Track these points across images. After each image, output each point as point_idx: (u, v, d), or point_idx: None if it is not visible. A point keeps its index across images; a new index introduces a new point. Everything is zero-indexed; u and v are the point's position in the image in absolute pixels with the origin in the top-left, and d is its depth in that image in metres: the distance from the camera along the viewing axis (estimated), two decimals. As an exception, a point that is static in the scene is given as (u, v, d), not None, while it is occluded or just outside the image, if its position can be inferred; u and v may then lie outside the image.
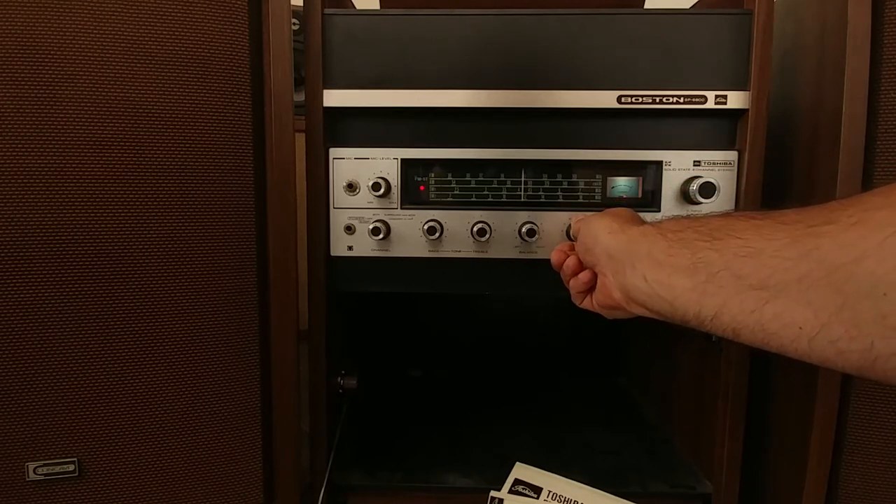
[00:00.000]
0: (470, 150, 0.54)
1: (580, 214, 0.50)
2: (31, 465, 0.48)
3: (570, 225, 0.53)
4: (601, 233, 0.41)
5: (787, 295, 0.27)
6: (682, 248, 0.34)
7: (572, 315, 0.96)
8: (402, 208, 0.55)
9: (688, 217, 0.36)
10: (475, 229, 0.54)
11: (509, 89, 0.53)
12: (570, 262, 0.47)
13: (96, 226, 0.46)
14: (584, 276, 0.45)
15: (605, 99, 0.53)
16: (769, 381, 0.60)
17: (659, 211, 0.54)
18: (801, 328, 0.27)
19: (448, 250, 0.55)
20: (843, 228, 0.25)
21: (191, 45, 0.47)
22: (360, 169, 0.55)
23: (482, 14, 0.52)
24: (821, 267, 0.26)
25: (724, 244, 0.31)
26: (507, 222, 0.55)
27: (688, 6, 0.65)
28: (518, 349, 0.92)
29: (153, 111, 0.47)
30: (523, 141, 0.54)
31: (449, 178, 0.55)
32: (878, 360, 0.25)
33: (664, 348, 0.73)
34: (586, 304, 0.47)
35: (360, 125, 0.55)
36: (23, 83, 0.44)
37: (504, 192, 0.55)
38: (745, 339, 0.31)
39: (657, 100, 0.52)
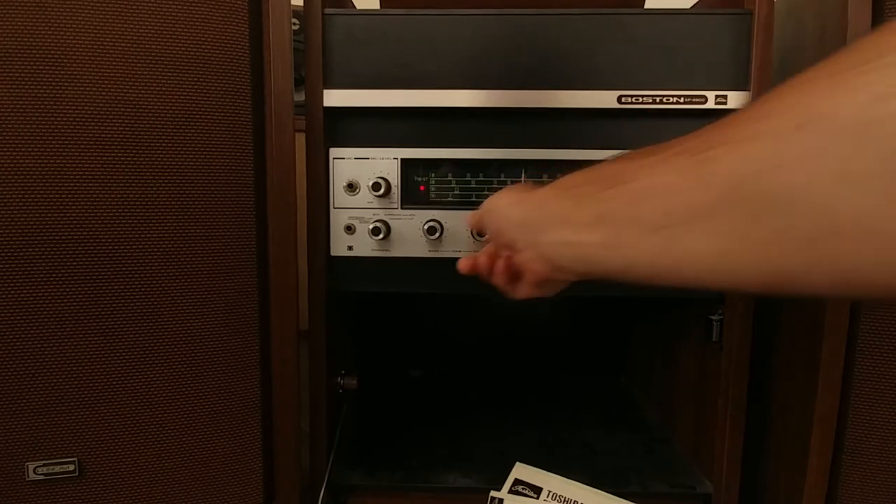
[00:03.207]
0: (470, 150, 0.54)
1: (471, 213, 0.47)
2: (31, 465, 0.48)
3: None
4: (505, 208, 0.39)
5: (693, 229, 0.26)
6: (584, 203, 0.32)
7: (573, 314, 0.96)
8: (402, 208, 0.55)
9: (585, 169, 0.34)
10: (475, 229, 0.54)
11: (509, 89, 0.53)
12: (482, 259, 0.44)
13: (96, 226, 0.46)
14: (499, 263, 0.42)
15: (605, 99, 0.53)
16: (769, 380, 0.60)
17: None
18: (712, 258, 0.26)
19: (448, 250, 0.55)
20: (733, 149, 0.24)
21: (191, 46, 0.47)
22: (360, 169, 0.55)
23: (482, 14, 0.52)
24: (719, 193, 0.25)
25: (621, 190, 0.30)
26: (507, 222, 0.55)
27: (688, 6, 0.65)
28: (518, 349, 0.92)
29: (153, 111, 0.47)
30: (523, 141, 0.54)
31: (449, 178, 0.55)
32: (787, 276, 0.24)
33: (665, 348, 0.73)
34: (521, 292, 0.43)
35: (360, 125, 0.55)
36: (24, 84, 0.44)
37: (504, 192, 0.55)
38: (663, 281, 0.30)
39: (657, 100, 0.52)
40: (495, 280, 0.44)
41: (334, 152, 0.55)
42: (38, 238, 0.45)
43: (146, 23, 0.46)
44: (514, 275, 0.43)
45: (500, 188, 0.54)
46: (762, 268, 0.24)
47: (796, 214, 0.22)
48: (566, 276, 0.38)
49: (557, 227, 0.34)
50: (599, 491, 0.56)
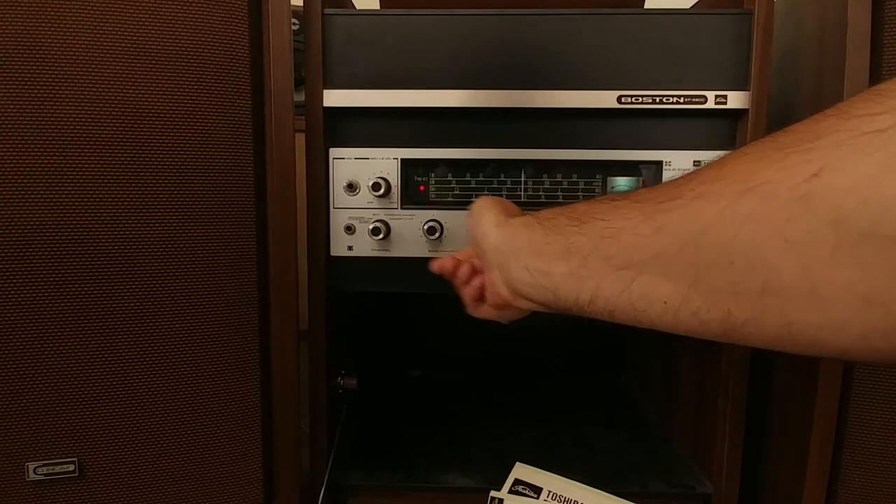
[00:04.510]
0: (470, 150, 0.54)
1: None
2: (31, 465, 0.48)
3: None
4: (489, 226, 0.41)
5: (649, 271, 0.28)
6: (556, 234, 0.34)
7: (572, 314, 0.96)
8: (402, 208, 0.55)
9: (561, 206, 0.37)
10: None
11: (510, 89, 0.53)
12: (465, 268, 0.46)
13: (96, 226, 0.46)
14: (477, 281, 0.44)
15: (605, 99, 0.53)
16: (769, 381, 0.60)
17: (659, 211, 0.54)
18: (665, 303, 0.28)
19: (448, 250, 0.55)
20: (687, 203, 0.26)
21: (191, 46, 0.47)
22: (360, 169, 0.55)
23: (482, 14, 0.52)
24: (673, 242, 0.26)
25: (590, 227, 0.32)
26: (507, 222, 0.55)
27: (688, 6, 0.65)
28: (518, 349, 0.91)
29: (153, 111, 0.47)
30: (523, 141, 0.54)
31: (449, 178, 0.55)
32: (735, 326, 0.25)
33: (665, 348, 0.73)
34: (482, 312, 0.46)
35: (360, 125, 0.55)
36: (23, 83, 0.44)
37: (504, 193, 0.55)
38: (620, 319, 0.31)
39: (657, 100, 0.52)
40: (458, 285, 0.46)
41: (334, 152, 0.55)
42: (38, 238, 0.45)
43: (146, 22, 0.46)
44: (478, 294, 0.45)
45: (500, 188, 0.55)
46: (713, 315, 0.26)
47: (740, 269, 0.24)
48: (525, 304, 0.39)
49: (529, 254, 0.36)
50: (599, 491, 0.56)
